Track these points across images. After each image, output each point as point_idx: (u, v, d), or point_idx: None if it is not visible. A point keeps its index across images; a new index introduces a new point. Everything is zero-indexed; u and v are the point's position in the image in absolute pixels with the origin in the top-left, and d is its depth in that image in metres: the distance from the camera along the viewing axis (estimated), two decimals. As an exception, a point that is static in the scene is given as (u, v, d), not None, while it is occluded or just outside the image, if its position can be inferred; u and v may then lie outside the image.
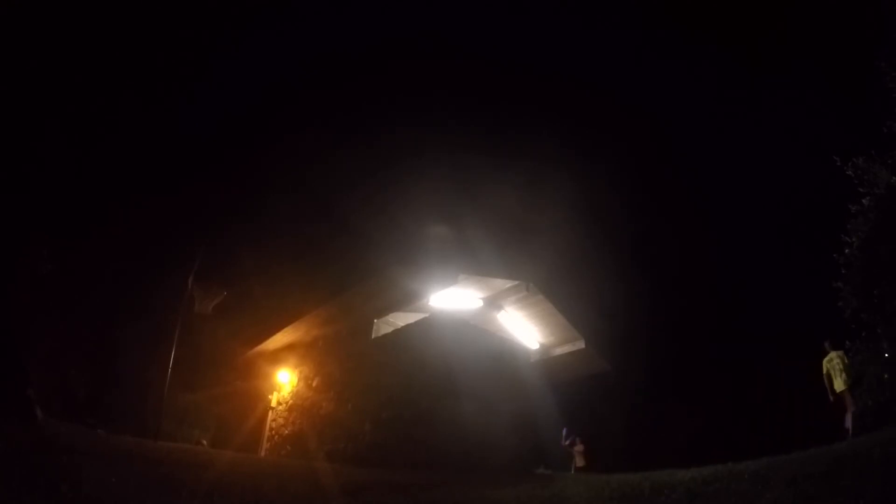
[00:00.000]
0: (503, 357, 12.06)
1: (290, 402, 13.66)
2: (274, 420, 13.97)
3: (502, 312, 13.19)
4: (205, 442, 13.66)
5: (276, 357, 14.59)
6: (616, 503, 5.95)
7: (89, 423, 9.80)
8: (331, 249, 12.65)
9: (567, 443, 12.76)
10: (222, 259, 13.87)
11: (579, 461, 12.39)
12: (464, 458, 9.38)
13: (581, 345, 13.43)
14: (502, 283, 12.40)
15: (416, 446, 9.61)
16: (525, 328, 13.65)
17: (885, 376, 9.23)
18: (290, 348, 14.41)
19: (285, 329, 13.39)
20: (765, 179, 25.01)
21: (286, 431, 13.33)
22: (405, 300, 12.22)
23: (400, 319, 12.92)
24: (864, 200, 9.98)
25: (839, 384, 8.43)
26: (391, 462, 9.37)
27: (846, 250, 10.02)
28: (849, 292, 9.81)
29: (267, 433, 13.87)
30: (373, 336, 12.64)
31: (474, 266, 11.42)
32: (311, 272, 12.45)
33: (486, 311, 13.18)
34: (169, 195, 14.29)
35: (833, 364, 8.61)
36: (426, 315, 12.15)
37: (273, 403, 14.19)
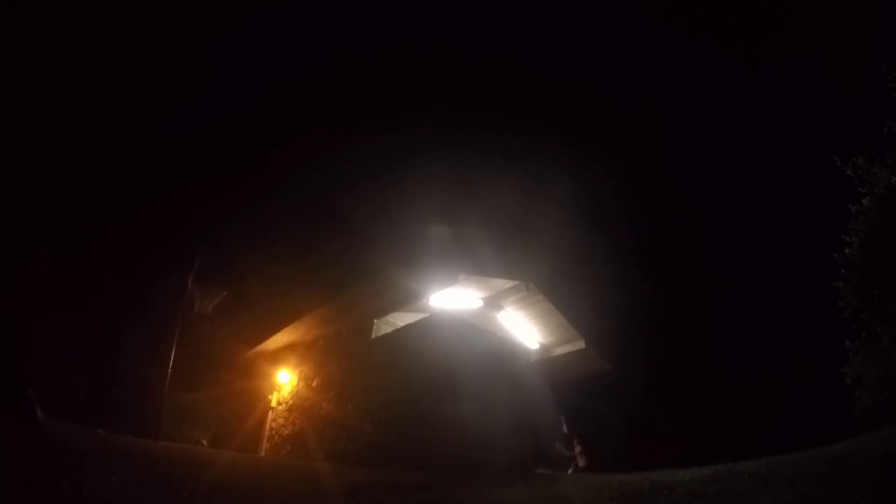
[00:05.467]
0: (503, 357, 12.06)
1: (290, 402, 13.66)
2: (274, 420, 13.96)
3: (502, 312, 13.19)
4: (205, 442, 13.67)
5: (276, 357, 14.58)
6: (616, 503, 5.95)
7: (89, 423, 9.80)
8: (331, 249, 12.65)
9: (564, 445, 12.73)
10: (222, 259, 13.89)
11: (580, 461, 12.38)
12: (464, 458, 9.37)
13: (581, 345, 13.42)
14: (502, 283, 12.39)
15: (416, 446, 9.61)
16: (525, 328, 13.64)
17: (885, 376, 9.21)
18: (290, 348, 14.40)
19: (285, 329, 13.39)
20: (765, 179, 24.99)
21: (286, 431, 13.33)
22: (405, 300, 12.21)
23: (400, 319, 12.92)
24: (864, 200, 9.97)
25: None
26: (391, 462, 9.37)
27: (846, 250, 10.01)
28: (849, 292, 9.79)
29: (267, 433, 13.87)
30: (373, 336, 12.63)
31: (474, 266, 11.41)
32: (311, 272, 12.45)
33: (486, 311, 13.17)
34: (169, 195, 14.29)
35: None
36: (426, 315, 12.14)
37: (273, 403, 14.19)
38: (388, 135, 18.09)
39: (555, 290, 12.51)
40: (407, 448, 9.67)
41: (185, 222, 14.12)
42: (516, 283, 12.30)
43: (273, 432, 13.78)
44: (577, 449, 12.60)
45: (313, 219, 14.17)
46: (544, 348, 14.07)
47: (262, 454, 13.42)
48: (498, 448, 10.37)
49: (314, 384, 13.13)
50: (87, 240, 12.44)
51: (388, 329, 12.79)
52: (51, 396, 9.80)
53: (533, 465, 11.09)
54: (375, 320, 12.83)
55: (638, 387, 17.28)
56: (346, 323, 12.89)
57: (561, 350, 13.90)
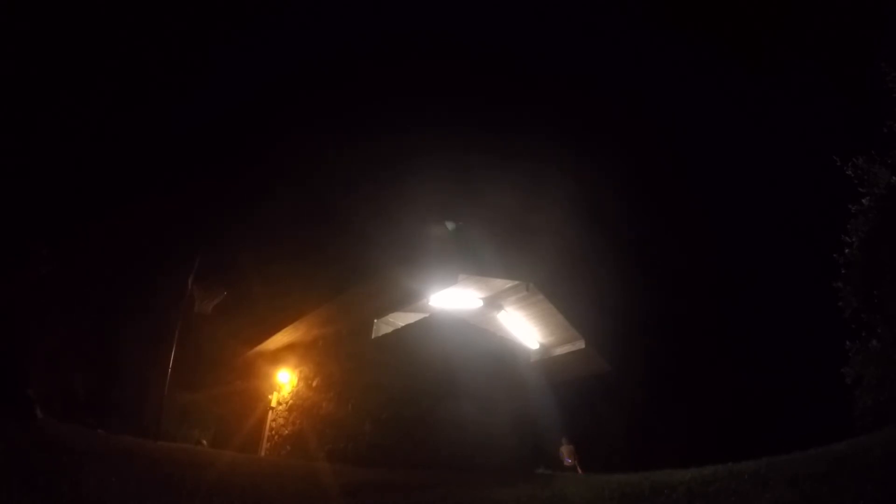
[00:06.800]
0: (503, 357, 12.06)
1: (290, 402, 13.66)
2: (274, 420, 13.96)
3: (502, 312, 13.19)
4: (205, 442, 13.66)
5: (276, 357, 14.58)
6: (616, 503, 5.95)
7: (89, 423, 9.79)
8: (331, 249, 12.65)
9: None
10: (222, 259, 13.89)
11: (568, 460, 12.36)
12: (464, 458, 9.38)
13: (581, 345, 13.42)
14: (502, 283, 12.39)
15: (416, 446, 9.61)
16: (525, 328, 13.64)
17: (885, 376, 9.20)
18: (290, 348, 14.40)
19: (285, 329, 13.39)
20: (765, 179, 25.03)
21: (286, 431, 13.33)
22: (405, 300, 12.21)
23: (400, 319, 12.92)
24: (864, 200, 9.96)
25: None
26: (391, 462, 9.37)
27: (846, 250, 10.00)
28: (849, 292, 9.78)
29: (267, 433, 13.87)
30: (373, 336, 12.64)
31: (474, 266, 11.41)
32: (311, 272, 12.45)
33: (486, 311, 13.17)
34: (169, 195, 14.29)
35: None
36: (426, 315, 12.14)
37: (273, 403, 14.19)
38: (389, 135, 18.11)
39: (555, 290, 12.51)
40: (407, 448, 9.67)
41: (185, 222, 14.12)
42: (516, 283, 12.30)
43: (273, 432, 13.77)
44: (565, 448, 12.57)
45: (313, 219, 14.16)
46: (544, 348, 14.07)
47: (262, 454, 13.42)
48: (498, 448, 10.37)
49: (314, 384, 13.13)
50: (87, 240, 12.43)
51: (388, 329, 12.79)
52: (51, 396, 9.80)
53: (533, 465, 11.08)
54: (375, 320, 12.83)
55: (638, 387, 17.27)
56: (346, 323, 12.89)
57: (561, 350, 13.90)
